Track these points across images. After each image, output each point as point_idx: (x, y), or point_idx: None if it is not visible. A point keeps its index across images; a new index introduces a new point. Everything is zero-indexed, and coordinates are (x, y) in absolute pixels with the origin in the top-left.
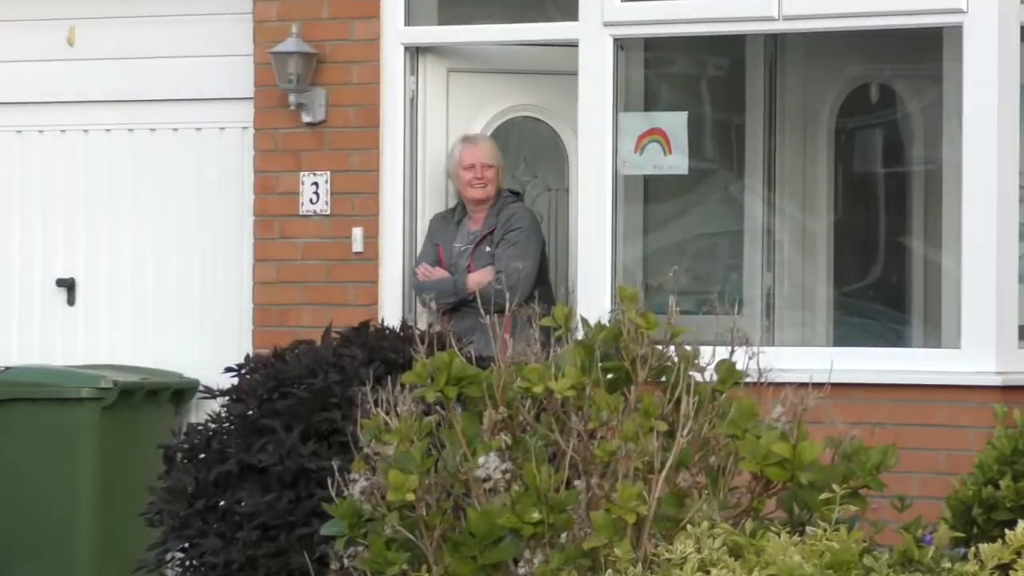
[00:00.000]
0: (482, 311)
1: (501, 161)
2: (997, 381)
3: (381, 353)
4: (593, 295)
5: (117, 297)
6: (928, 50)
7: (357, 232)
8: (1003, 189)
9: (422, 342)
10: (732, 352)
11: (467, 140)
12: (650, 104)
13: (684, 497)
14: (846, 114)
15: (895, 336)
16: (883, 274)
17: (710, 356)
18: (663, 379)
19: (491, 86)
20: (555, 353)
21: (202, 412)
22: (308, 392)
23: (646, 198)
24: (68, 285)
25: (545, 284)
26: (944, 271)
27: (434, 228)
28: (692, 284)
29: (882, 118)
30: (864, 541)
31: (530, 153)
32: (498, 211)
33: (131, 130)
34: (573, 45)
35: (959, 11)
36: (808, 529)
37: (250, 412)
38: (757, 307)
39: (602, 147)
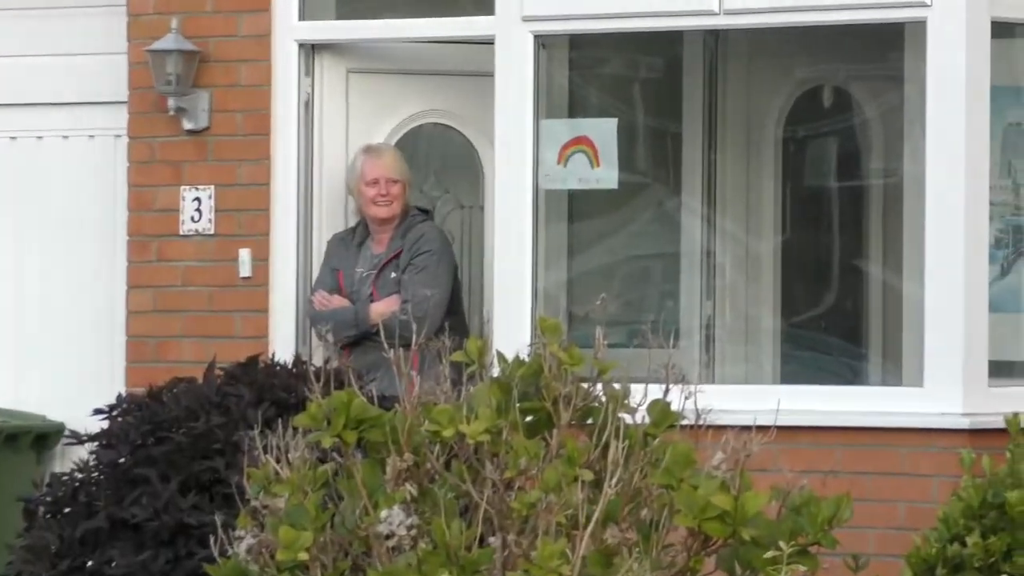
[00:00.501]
0: (386, 345)
1: (408, 175)
2: (964, 423)
3: (271, 392)
4: (511, 326)
5: None
6: (888, 49)
7: (244, 254)
8: (971, 205)
9: (318, 380)
10: (667, 391)
11: (369, 151)
12: (576, 110)
13: (612, 556)
14: (795, 121)
15: (850, 372)
16: (837, 302)
17: (642, 395)
18: (589, 421)
19: (397, 89)
20: (468, 392)
21: (68, 460)
22: (188, 437)
23: (571, 216)
24: None
25: (457, 314)
26: (905, 298)
27: (332, 251)
28: (622, 313)
29: (836, 125)
30: None
31: (441, 165)
32: (405, 231)
33: None
34: (489, 42)
35: (922, 4)
36: None
37: (122, 460)
38: (695, 339)
39: (522, 158)
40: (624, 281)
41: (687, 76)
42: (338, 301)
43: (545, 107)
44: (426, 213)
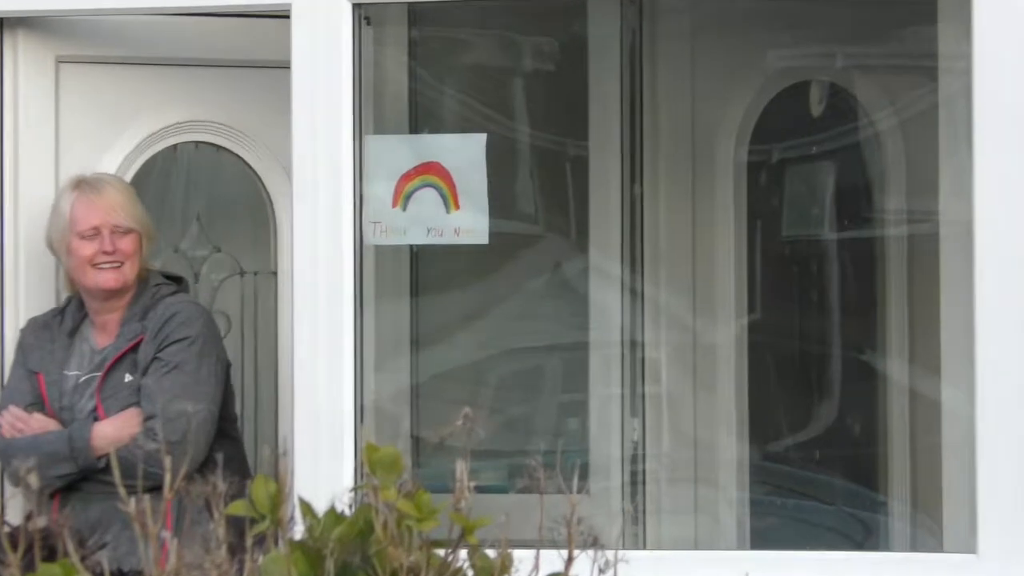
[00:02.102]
0: (122, 489)
1: (148, 223)
2: None
3: None
4: (321, 459)
5: None
6: (912, 25)
7: None
8: None
9: (14, 547)
10: (570, 560)
11: (83, 186)
12: (421, 120)
13: None
14: (768, 136)
15: (860, 529)
16: (837, 419)
17: (531, 568)
18: None
19: (137, 88)
20: (255, 564)
21: None
22: None
23: (416, 285)
24: None
25: (233, 439)
26: (945, 412)
27: (28, 345)
28: (500, 438)
29: (831, 143)
30: None
31: (208, 207)
32: (145, 311)
33: None
34: (282, 15)
35: None
36: None
37: None
38: (615, 479)
39: (335, 197)
40: (502, 388)
41: (596, 68)
42: (40, 423)
43: (373, 116)
44: (178, 282)
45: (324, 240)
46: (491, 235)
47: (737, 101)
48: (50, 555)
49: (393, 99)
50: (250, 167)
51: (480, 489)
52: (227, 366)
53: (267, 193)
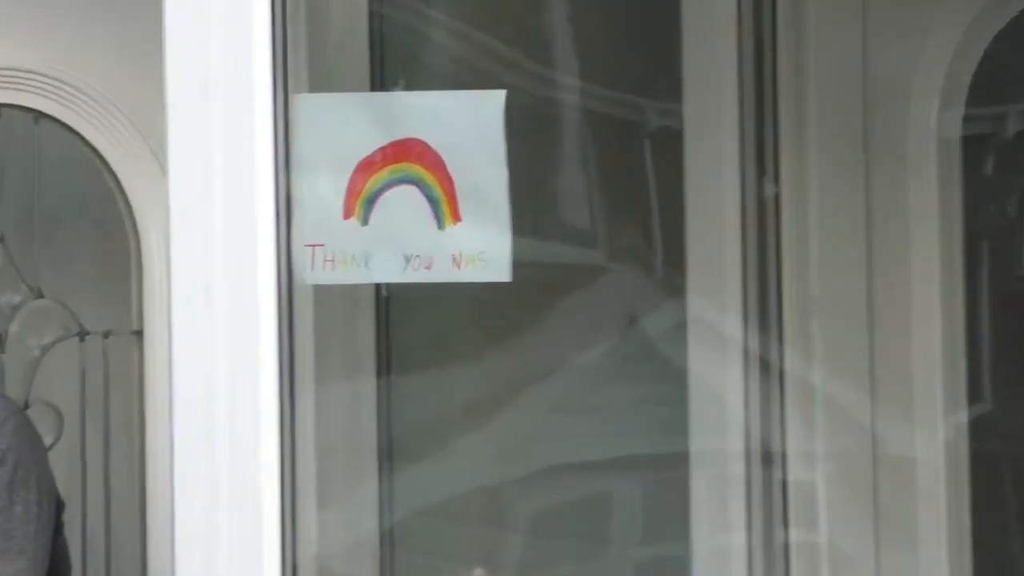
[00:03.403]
0: None
1: None
2: None
3: None
4: None
5: None
6: None
7: None
8: None
9: None
10: None
11: None
12: (392, 65)
13: None
14: (994, 97)
15: None
16: None
17: None
18: None
19: None
20: None
21: None
22: None
23: (386, 354)
24: None
25: None
26: None
27: None
28: None
29: None
30: None
31: (18, 221)
32: None
33: None
34: None
35: None
36: None
37: None
38: None
39: (244, 201)
40: (537, 534)
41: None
42: None
43: (307, 60)
44: None
45: (223, 277)
46: (516, 267)
47: (939, 38)
48: None
49: (343, 31)
50: (94, 150)
51: None
52: (56, 500)
53: (124, 195)
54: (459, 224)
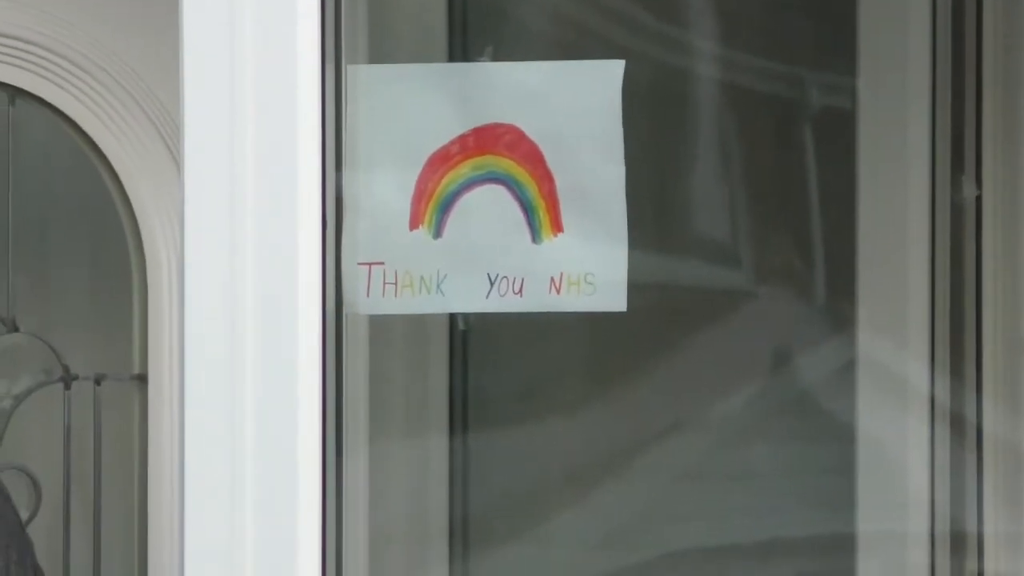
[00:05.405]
0: None
1: None
2: None
3: None
4: None
5: None
6: None
7: None
8: None
9: None
10: None
11: None
12: (476, 30)
13: None
14: None
15: None
16: None
17: None
18: None
19: None
20: None
21: None
22: None
23: (463, 402)
24: None
25: None
26: None
27: None
28: None
29: None
30: None
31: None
32: None
33: None
34: None
35: None
36: None
37: None
38: None
39: (282, 206)
40: None
41: None
42: None
43: (367, 24)
44: None
45: (253, 305)
46: (632, 292)
47: None
48: None
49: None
50: (87, 138)
51: None
52: (36, 569)
53: (124, 198)
54: (560, 236)
